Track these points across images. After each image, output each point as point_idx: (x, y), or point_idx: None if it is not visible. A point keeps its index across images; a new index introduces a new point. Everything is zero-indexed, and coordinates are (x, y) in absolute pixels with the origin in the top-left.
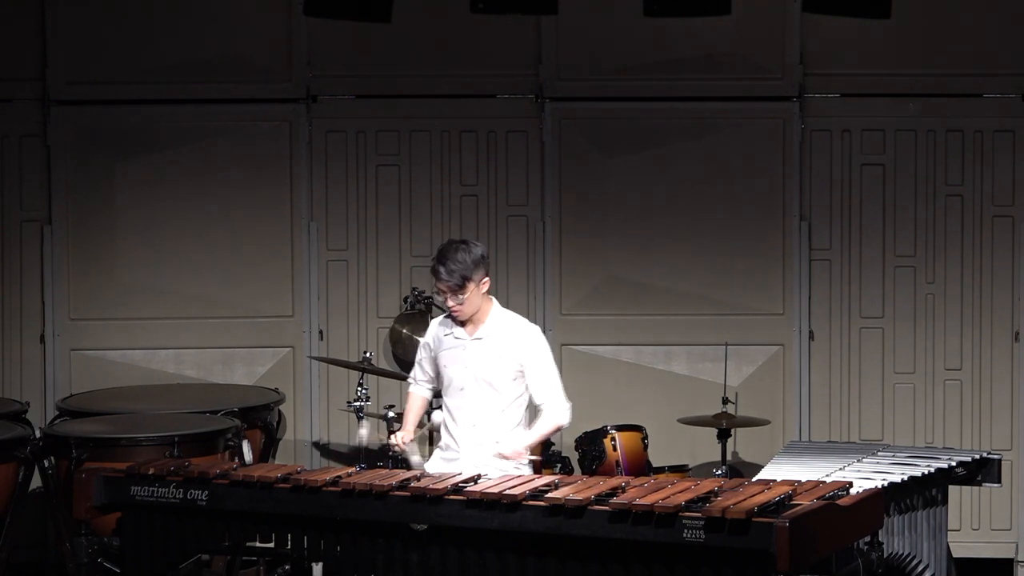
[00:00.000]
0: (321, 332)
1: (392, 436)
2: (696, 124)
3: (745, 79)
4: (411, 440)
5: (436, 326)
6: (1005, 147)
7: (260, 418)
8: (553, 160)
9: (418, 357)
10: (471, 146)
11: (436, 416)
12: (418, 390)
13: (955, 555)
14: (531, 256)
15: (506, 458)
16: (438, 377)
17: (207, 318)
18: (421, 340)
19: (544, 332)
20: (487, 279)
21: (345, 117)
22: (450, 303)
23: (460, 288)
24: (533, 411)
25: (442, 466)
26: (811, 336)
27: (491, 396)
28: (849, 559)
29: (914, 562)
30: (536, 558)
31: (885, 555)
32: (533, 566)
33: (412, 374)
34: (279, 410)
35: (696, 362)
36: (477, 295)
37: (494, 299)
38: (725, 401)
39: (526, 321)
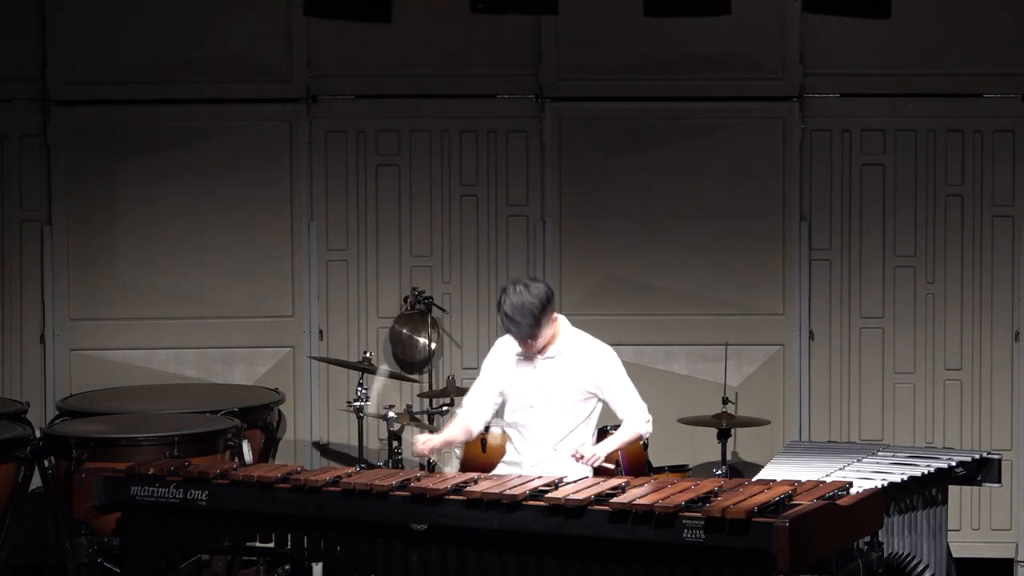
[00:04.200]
0: (321, 332)
1: (416, 437)
2: (696, 124)
3: (745, 79)
4: (432, 450)
5: (504, 345)
6: (1005, 147)
7: (260, 418)
8: (553, 160)
9: (481, 377)
10: (471, 146)
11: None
12: (468, 418)
13: (955, 555)
14: (531, 256)
15: (581, 459)
16: (499, 400)
17: (207, 318)
18: (486, 360)
19: None
20: (554, 312)
21: (345, 117)
22: (524, 347)
23: (532, 336)
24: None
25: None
26: (811, 336)
27: (560, 415)
28: (849, 559)
29: (914, 562)
30: (536, 558)
31: (885, 555)
32: (533, 566)
33: (466, 399)
34: (279, 410)
35: (696, 362)
36: (548, 329)
37: (561, 317)
38: (725, 401)
39: (597, 341)
